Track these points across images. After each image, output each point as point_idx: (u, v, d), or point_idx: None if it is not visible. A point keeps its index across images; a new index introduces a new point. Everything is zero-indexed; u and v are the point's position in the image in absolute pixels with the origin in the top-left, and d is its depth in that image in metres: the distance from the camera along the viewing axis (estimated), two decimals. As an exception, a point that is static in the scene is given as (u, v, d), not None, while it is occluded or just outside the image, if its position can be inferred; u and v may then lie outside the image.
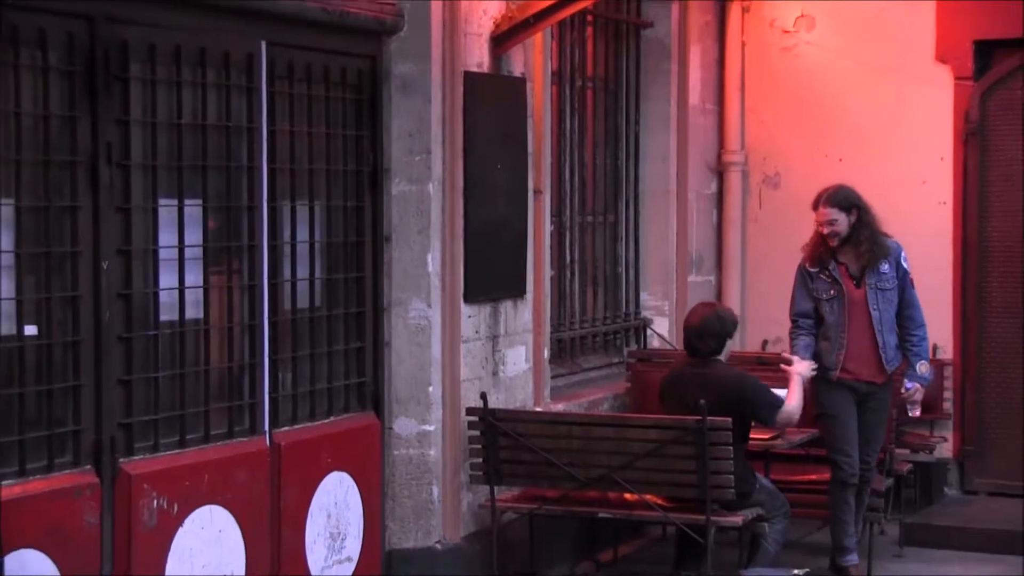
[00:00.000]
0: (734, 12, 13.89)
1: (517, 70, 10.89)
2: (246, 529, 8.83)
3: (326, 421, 9.66)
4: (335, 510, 9.59)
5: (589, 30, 12.58)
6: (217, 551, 8.64)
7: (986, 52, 13.16)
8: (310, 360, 9.61)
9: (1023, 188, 12.99)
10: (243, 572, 8.82)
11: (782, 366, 10.82)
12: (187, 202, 8.62)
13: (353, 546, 9.75)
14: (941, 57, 13.18)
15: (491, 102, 10.57)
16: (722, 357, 10.36)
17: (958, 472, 13.17)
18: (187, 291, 8.65)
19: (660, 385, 10.68)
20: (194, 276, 8.71)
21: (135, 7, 8.14)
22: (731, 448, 9.86)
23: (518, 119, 10.88)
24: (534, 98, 11.05)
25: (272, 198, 9.22)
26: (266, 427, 9.18)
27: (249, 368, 9.13)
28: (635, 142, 13.32)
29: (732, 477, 9.91)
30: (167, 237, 8.49)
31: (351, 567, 9.73)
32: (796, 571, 10.09)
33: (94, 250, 7.96)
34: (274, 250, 9.27)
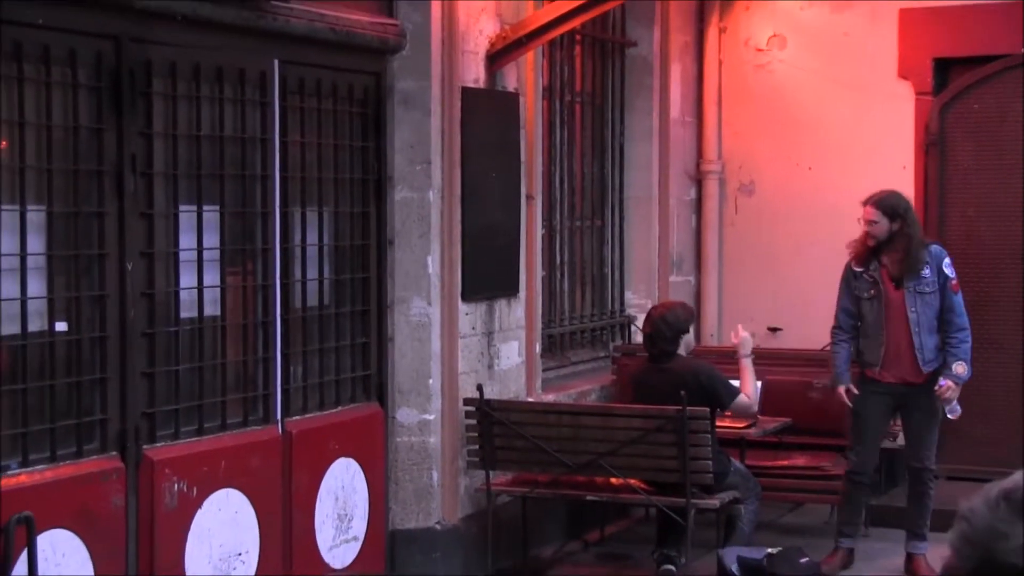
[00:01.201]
0: (712, 32, 13.88)
1: (511, 86, 10.90)
2: (260, 510, 8.85)
3: (334, 411, 9.68)
4: (342, 493, 9.61)
5: (577, 48, 12.58)
6: (233, 531, 8.67)
7: (944, 69, 13.17)
8: (319, 354, 9.62)
9: (977, 194, 13.02)
10: (257, 550, 8.84)
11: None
12: (205, 208, 8.67)
13: (359, 526, 9.76)
14: (903, 74, 13.18)
15: (486, 115, 10.58)
16: (681, 350, 10.43)
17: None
18: (205, 290, 8.71)
19: (629, 383, 10.77)
20: (212, 276, 8.77)
21: (158, 28, 8.19)
22: (709, 436, 9.91)
23: (511, 131, 10.89)
24: (526, 112, 11.05)
25: (284, 204, 9.23)
26: (278, 416, 9.20)
27: (263, 362, 9.16)
28: (620, 152, 13.32)
29: (710, 463, 9.95)
30: (187, 240, 8.54)
31: (357, 546, 9.74)
32: (769, 549, 10.18)
33: (119, 252, 8.02)
34: (286, 252, 9.27)
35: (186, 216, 8.53)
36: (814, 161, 13.48)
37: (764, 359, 12.32)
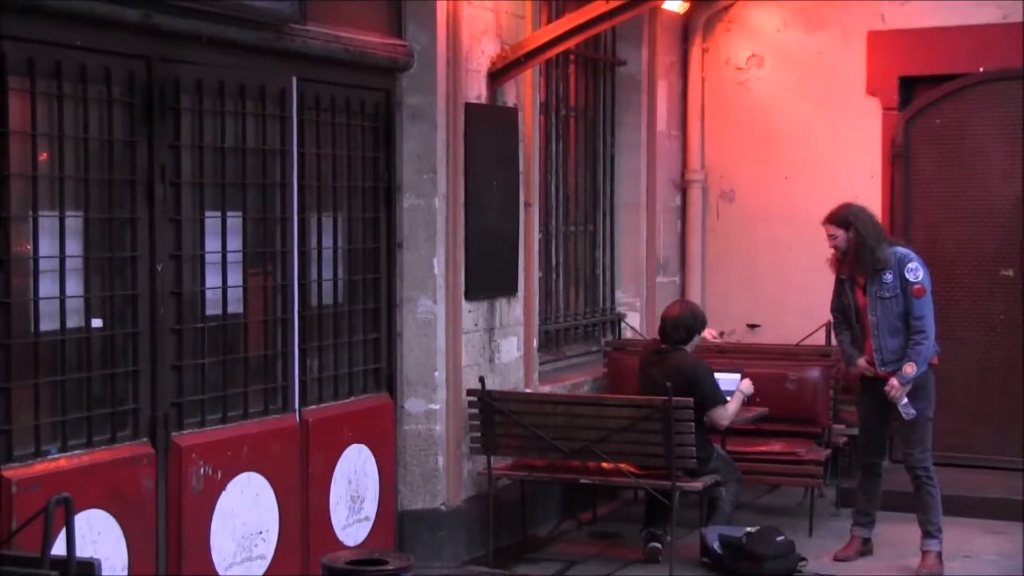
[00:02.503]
0: (695, 52, 13.90)
1: (510, 101, 10.89)
2: (280, 492, 8.88)
3: (347, 400, 9.69)
4: (355, 476, 9.63)
5: (572, 67, 12.57)
6: (255, 511, 8.69)
7: (909, 87, 13.19)
8: (333, 349, 9.64)
9: (938, 202, 13.05)
10: (277, 529, 8.86)
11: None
12: (229, 214, 8.67)
13: (370, 507, 9.79)
14: (871, 91, 13.20)
15: (488, 129, 10.59)
16: (689, 348, 10.42)
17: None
18: (229, 290, 8.70)
19: (639, 363, 10.79)
20: (235, 277, 8.77)
21: (185, 49, 8.20)
22: (693, 424, 9.87)
23: (511, 143, 10.90)
24: (524, 125, 11.06)
25: (301, 210, 9.24)
26: (296, 405, 9.20)
27: (282, 355, 9.14)
28: (611, 162, 13.31)
29: (694, 448, 9.92)
30: (212, 244, 8.54)
31: (369, 525, 9.76)
32: (748, 528, 10.19)
33: (150, 255, 8.03)
34: (303, 255, 9.28)
35: (211, 221, 8.53)
36: (789, 171, 13.50)
37: (743, 353, 12.39)
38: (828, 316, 12.69)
